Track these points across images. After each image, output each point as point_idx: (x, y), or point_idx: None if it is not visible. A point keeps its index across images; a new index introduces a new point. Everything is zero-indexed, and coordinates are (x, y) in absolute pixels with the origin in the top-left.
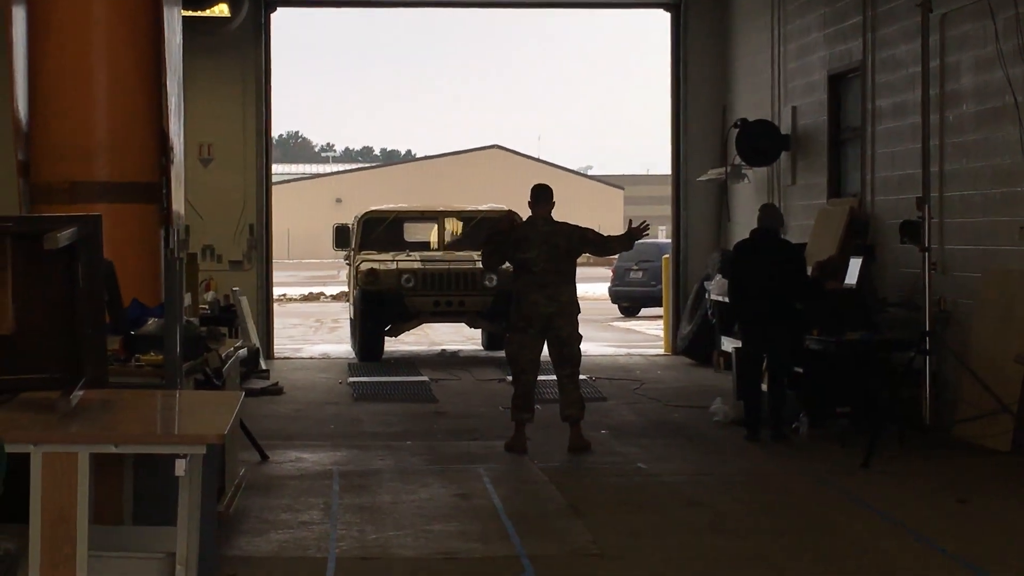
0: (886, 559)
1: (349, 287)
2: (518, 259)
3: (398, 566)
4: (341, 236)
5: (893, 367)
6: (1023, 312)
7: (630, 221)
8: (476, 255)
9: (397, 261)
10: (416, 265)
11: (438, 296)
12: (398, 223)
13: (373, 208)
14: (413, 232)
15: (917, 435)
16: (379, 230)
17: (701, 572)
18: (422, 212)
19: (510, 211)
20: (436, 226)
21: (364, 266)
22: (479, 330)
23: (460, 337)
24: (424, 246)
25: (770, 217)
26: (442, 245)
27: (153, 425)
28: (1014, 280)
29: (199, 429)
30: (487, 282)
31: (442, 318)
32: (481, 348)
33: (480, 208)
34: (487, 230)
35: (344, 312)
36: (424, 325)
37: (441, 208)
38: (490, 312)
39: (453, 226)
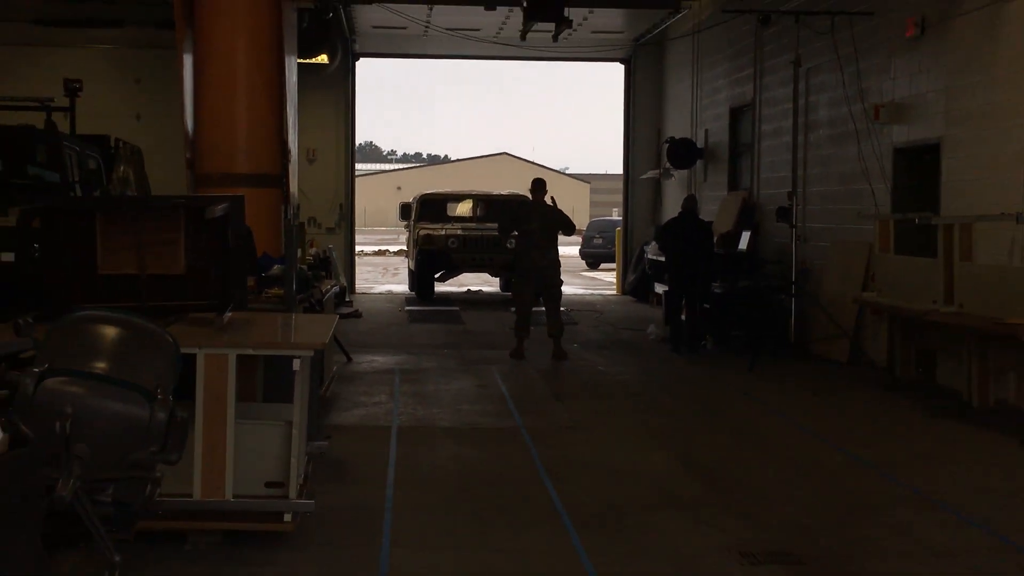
0: (761, 430)
1: (408, 247)
2: (523, 229)
3: (439, 432)
4: (404, 211)
5: (770, 305)
6: (856, 270)
7: (552, 198)
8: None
9: (445, 229)
10: (459, 232)
11: (474, 254)
12: (445, 202)
13: (427, 191)
14: (454, 209)
15: (786, 351)
16: (432, 207)
17: (640, 437)
18: (463, 194)
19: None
20: (472, 204)
21: (422, 232)
22: (498, 278)
23: (481, 282)
24: (462, 219)
25: (691, 202)
26: (476, 218)
27: (277, 336)
28: (851, 248)
29: (308, 339)
30: (508, 245)
31: (476, 269)
32: (497, 290)
33: (502, 193)
34: (506, 209)
35: (402, 264)
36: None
37: (476, 192)
38: (509, 265)
39: (483, 206)
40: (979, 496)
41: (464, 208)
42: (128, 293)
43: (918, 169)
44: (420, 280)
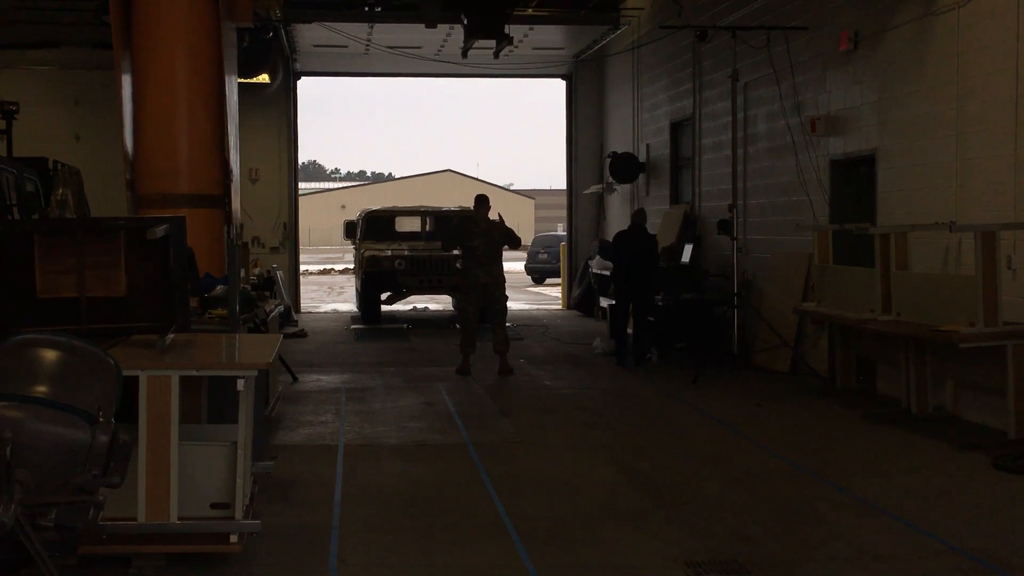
0: (706, 441)
1: (355, 268)
2: (466, 246)
3: (386, 450)
4: (349, 229)
5: (713, 317)
6: (796, 280)
7: (500, 215)
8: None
9: (392, 249)
10: (406, 252)
11: (422, 276)
12: (391, 219)
13: (372, 208)
14: (402, 225)
15: (729, 362)
16: (377, 224)
17: (585, 451)
18: (409, 210)
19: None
20: (420, 220)
21: (367, 254)
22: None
23: (427, 299)
24: (410, 237)
25: (640, 216)
26: (424, 235)
27: (221, 356)
28: (791, 259)
29: (252, 359)
30: (457, 265)
31: (425, 291)
32: (441, 307)
33: (452, 208)
34: (451, 225)
35: (348, 283)
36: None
37: (423, 207)
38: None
39: (432, 222)
40: (919, 501)
41: (412, 225)
42: (68, 316)
43: (854, 180)
44: (366, 303)
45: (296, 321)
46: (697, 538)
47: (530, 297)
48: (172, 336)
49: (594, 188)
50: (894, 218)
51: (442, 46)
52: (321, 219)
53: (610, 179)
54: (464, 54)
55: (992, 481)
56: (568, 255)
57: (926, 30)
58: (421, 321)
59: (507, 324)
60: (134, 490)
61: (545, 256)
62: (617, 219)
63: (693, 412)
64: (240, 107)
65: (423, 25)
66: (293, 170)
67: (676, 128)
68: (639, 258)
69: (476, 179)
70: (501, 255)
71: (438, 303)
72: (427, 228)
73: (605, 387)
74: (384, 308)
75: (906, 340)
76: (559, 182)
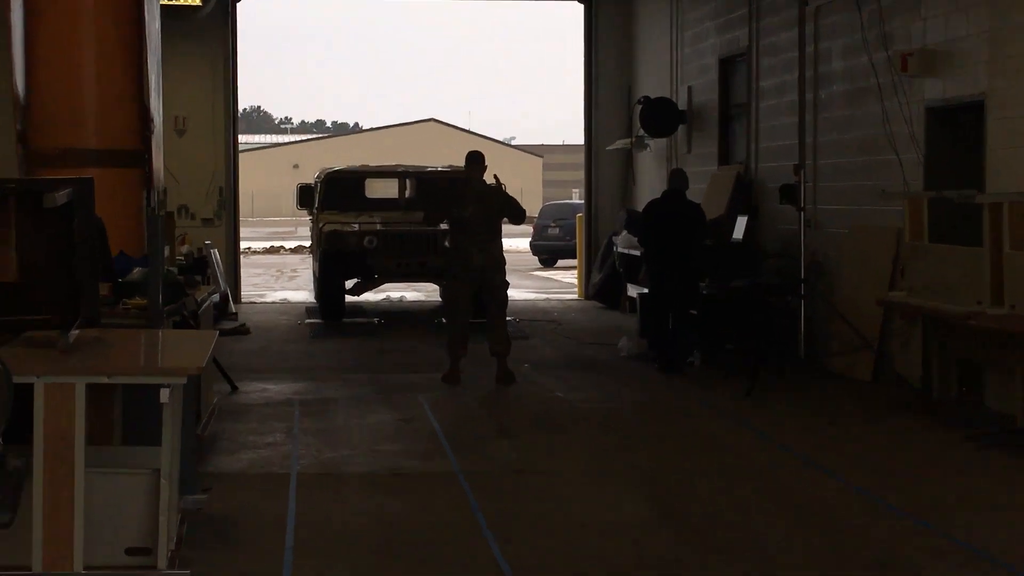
0: (763, 470)
1: (312, 246)
2: (455, 217)
3: (352, 481)
4: (304, 195)
5: (772, 309)
6: (880, 263)
7: (496, 177)
8: None
9: (360, 222)
10: (378, 226)
11: (401, 258)
12: (359, 182)
13: (335, 168)
14: (372, 190)
15: (793, 368)
16: (341, 189)
17: (608, 482)
18: (384, 170)
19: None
20: (398, 183)
21: (328, 228)
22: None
23: (405, 286)
24: (385, 205)
25: (679, 179)
26: (403, 203)
27: (140, 359)
28: (873, 235)
29: (180, 363)
30: (445, 244)
31: (405, 278)
32: (423, 296)
33: (439, 168)
34: (438, 191)
35: (303, 265)
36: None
37: (403, 167)
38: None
39: (414, 186)
40: None
41: (386, 190)
42: None
43: (957, 134)
44: (326, 292)
45: (235, 314)
46: None
47: (537, 283)
48: (77, 332)
49: (620, 143)
50: (1008, 183)
51: None
52: (268, 182)
53: (641, 132)
54: None
55: None
56: (586, 229)
57: None
58: (397, 315)
59: (508, 318)
60: (28, 531)
61: (557, 231)
62: (650, 183)
63: (747, 432)
64: (164, 38)
65: None
66: (232, 119)
67: (726, 66)
68: (677, 234)
69: (467, 131)
70: (500, 230)
71: (419, 291)
72: (406, 194)
73: (634, 400)
74: (350, 299)
75: (1022, 340)
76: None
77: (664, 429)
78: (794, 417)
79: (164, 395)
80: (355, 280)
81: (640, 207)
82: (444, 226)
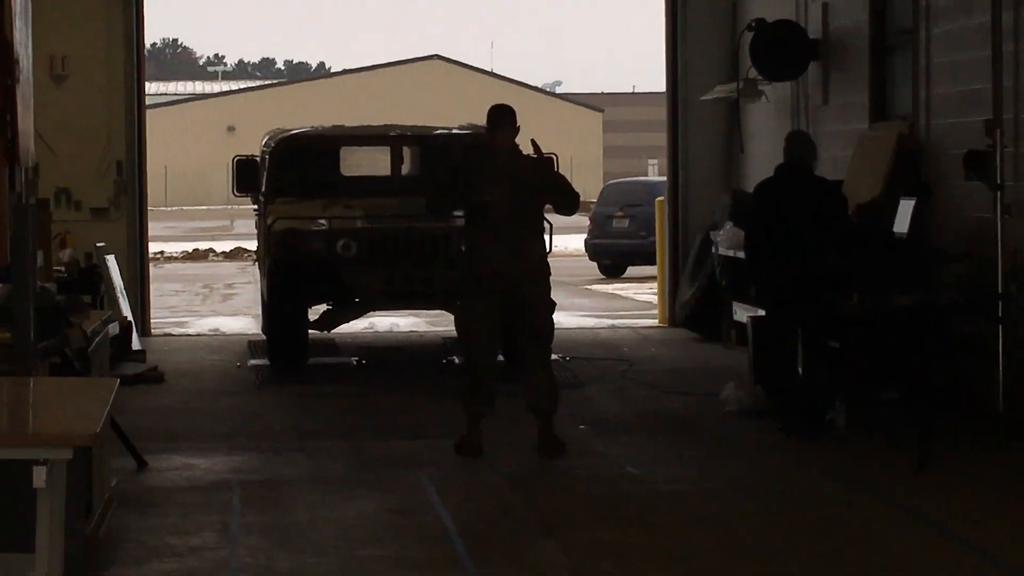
0: None
1: (258, 252)
2: (472, 202)
3: None
4: (245, 174)
5: (956, 339)
6: None
7: (534, 143)
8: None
9: (331, 217)
10: (359, 222)
11: (394, 270)
12: (329, 152)
13: (290, 130)
14: (350, 165)
15: (987, 426)
16: (300, 164)
17: None
18: (366, 133)
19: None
20: (390, 154)
21: (279, 224)
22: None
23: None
24: (367, 188)
25: (801, 147)
26: (396, 185)
27: (3, 421)
28: None
29: (62, 427)
30: (461, 247)
31: (400, 302)
32: (421, 322)
33: (452, 129)
34: (450, 163)
35: (242, 276)
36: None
37: (395, 127)
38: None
39: (415, 158)
40: None
41: (372, 164)
42: None
43: None
44: (279, 323)
45: (143, 352)
46: None
47: (598, 303)
48: None
49: (721, 91)
50: None
51: None
52: (190, 154)
53: (752, 72)
54: None
55: None
56: (670, 221)
57: None
58: (385, 351)
59: (554, 357)
60: None
61: (625, 224)
62: (768, 150)
63: (917, 527)
64: None
65: None
66: (135, 59)
67: None
68: (802, 228)
69: (489, 73)
70: (542, 222)
71: (417, 315)
72: (402, 170)
73: (743, 480)
74: (314, 333)
75: None
76: (651, 82)
77: (789, 526)
78: (989, 504)
79: (39, 476)
80: (326, 306)
81: (751, 187)
82: (458, 216)
